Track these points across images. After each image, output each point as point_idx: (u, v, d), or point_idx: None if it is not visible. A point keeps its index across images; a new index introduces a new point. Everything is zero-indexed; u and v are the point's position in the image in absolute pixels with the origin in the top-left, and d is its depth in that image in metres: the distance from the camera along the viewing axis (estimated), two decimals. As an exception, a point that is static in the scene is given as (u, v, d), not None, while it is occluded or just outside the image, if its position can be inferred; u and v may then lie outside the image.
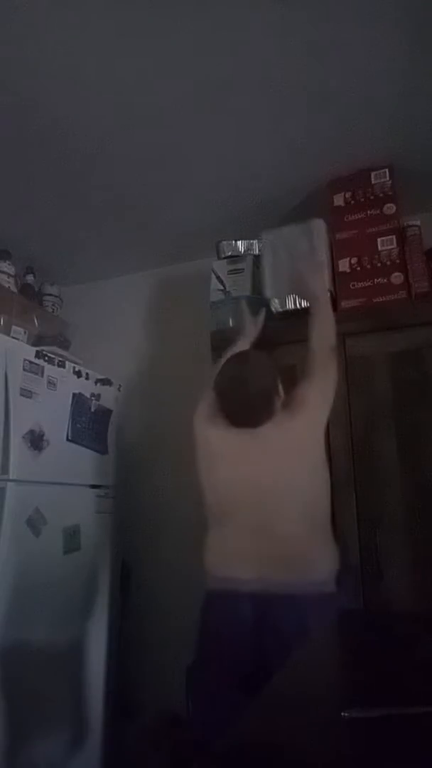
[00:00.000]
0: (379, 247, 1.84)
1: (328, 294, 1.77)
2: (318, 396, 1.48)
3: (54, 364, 1.85)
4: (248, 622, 1.29)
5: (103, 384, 2.09)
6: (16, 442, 1.64)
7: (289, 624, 1.24)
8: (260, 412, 1.42)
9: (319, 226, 1.88)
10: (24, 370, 1.71)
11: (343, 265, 1.86)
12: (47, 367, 1.81)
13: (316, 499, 1.42)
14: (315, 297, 1.70)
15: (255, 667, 1.19)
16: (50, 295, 2.57)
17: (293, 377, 1.61)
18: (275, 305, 1.89)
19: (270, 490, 1.38)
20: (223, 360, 1.56)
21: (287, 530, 1.35)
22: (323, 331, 1.60)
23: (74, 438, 1.89)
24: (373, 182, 1.89)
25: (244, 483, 1.42)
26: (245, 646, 1.28)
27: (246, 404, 1.43)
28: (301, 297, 1.82)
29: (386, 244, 1.83)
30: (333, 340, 1.60)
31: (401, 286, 1.78)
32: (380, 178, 1.88)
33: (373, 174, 1.89)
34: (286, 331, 1.80)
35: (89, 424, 1.99)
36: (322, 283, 1.77)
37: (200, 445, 1.53)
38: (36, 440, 1.72)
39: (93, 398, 2.02)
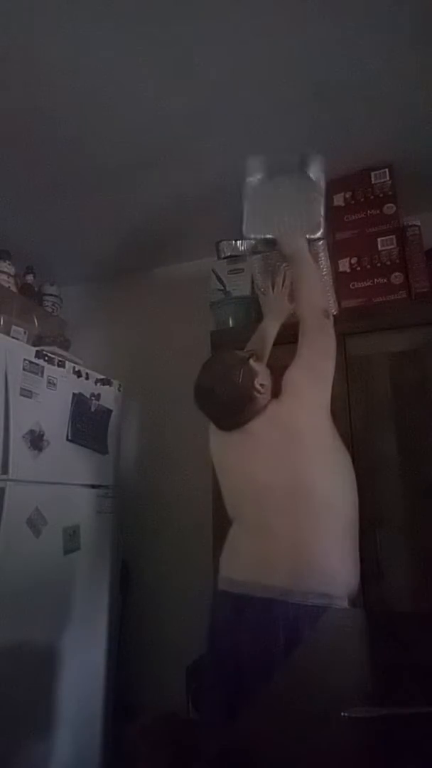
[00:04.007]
0: (379, 247, 1.84)
1: (308, 251, 1.50)
2: (306, 374, 1.35)
3: (54, 364, 1.85)
4: (229, 626, 1.23)
5: (103, 384, 2.09)
6: (16, 442, 1.64)
7: (259, 633, 1.16)
8: (238, 412, 1.35)
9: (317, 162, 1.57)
10: (24, 370, 1.71)
11: (343, 265, 1.87)
12: (47, 367, 1.81)
13: (329, 495, 1.27)
14: (296, 250, 1.47)
15: (237, 672, 1.16)
16: (50, 295, 2.57)
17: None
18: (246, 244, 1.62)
19: (270, 487, 1.29)
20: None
21: (287, 530, 1.24)
22: (309, 295, 1.44)
23: (74, 438, 1.89)
24: (373, 182, 1.89)
25: (245, 482, 1.38)
26: (228, 650, 1.23)
27: (220, 410, 1.39)
28: (281, 247, 1.52)
29: (386, 244, 1.83)
30: (322, 303, 1.43)
31: (401, 286, 1.78)
32: (380, 178, 1.89)
33: (373, 174, 1.90)
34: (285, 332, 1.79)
35: (89, 424, 1.99)
36: (307, 231, 1.51)
37: (211, 453, 1.51)
38: (36, 440, 1.72)
39: (93, 398, 2.02)
